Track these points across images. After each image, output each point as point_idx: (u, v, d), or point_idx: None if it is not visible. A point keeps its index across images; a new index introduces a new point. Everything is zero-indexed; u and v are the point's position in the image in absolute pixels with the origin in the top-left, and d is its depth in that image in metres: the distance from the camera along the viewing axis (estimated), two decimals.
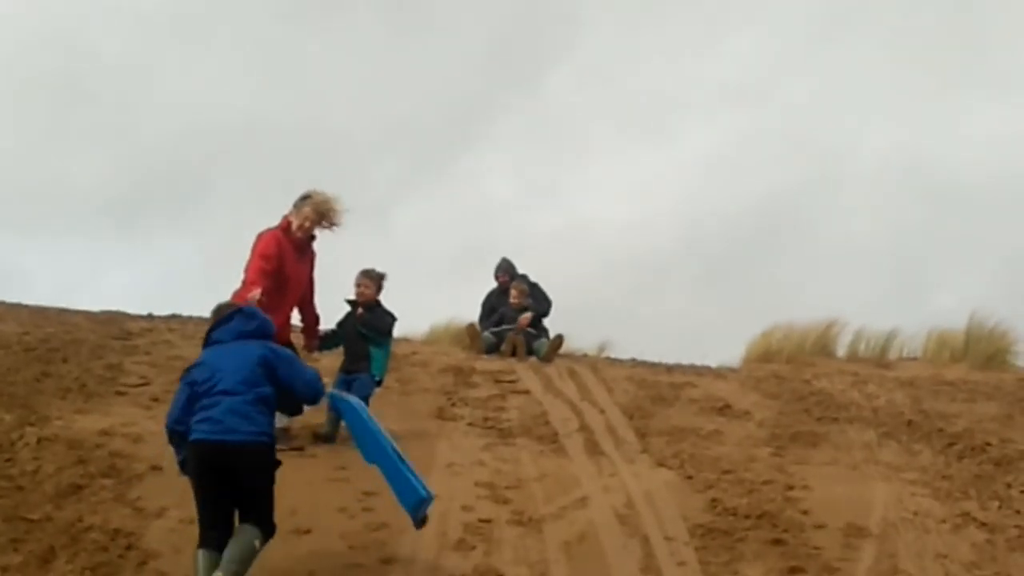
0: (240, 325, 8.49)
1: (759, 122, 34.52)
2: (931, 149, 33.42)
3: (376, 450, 8.74)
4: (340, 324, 11.80)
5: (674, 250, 30.81)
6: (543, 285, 16.77)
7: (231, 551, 7.87)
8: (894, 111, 35.22)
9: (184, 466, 8.30)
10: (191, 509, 8.99)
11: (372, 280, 11.77)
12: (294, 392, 8.41)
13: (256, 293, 10.29)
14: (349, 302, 11.80)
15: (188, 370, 8.40)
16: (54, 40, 34.29)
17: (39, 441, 10.39)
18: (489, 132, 35.91)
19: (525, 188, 34.51)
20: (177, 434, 8.24)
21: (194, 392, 8.15)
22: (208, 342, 8.55)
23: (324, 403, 9.34)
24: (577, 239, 31.89)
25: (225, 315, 8.61)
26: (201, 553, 7.87)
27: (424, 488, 8.55)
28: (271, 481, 8.18)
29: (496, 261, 17.08)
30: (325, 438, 11.26)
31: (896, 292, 26.87)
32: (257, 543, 8.01)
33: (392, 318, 11.78)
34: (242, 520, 8.09)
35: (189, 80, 34.92)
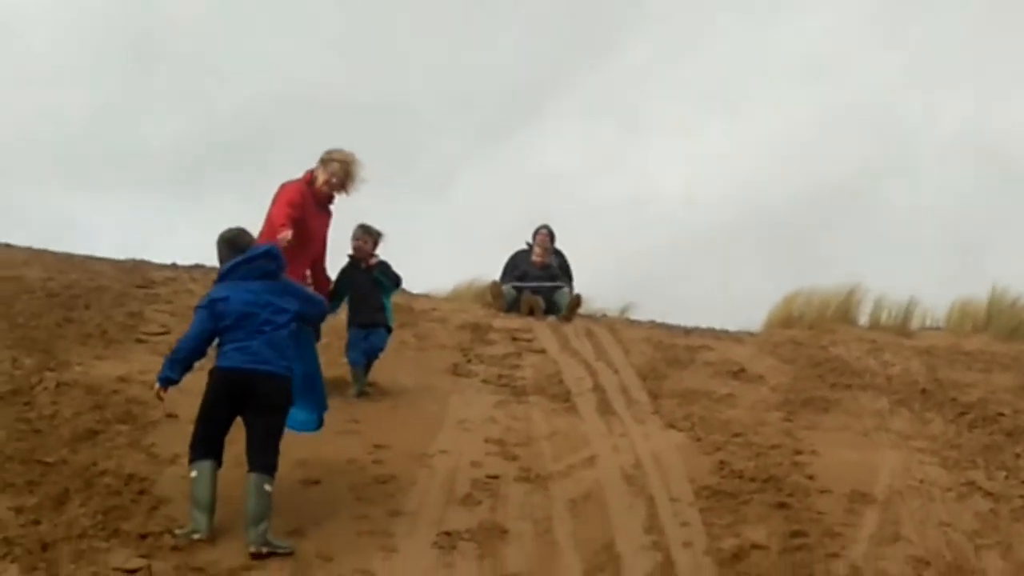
0: (266, 265, 8.97)
1: (830, 98, 34.42)
2: (1002, 127, 33.26)
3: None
4: (342, 279, 11.75)
5: (737, 224, 30.71)
6: (574, 257, 16.85)
7: (254, 510, 8.38)
8: (968, 88, 35.10)
9: (166, 382, 8.77)
10: None
11: (371, 236, 11.86)
12: (307, 317, 9.19)
13: (287, 234, 10.25)
14: (352, 257, 11.85)
15: (211, 302, 8.83)
16: (131, 2, 34.66)
17: (58, 386, 10.57)
18: (557, 104, 36.06)
19: (590, 159, 34.54)
20: (186, 359, 8.76)
21: (220, 325, 8.68)
22: (228, 276, 8.97)
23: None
24: (639, 211, 31.95)
25: (250, 255, 9.01)
26: (198, 465, 8.49)
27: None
28: (285, 416, 8.76)
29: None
30: (359, 394, 11.50)
31: (960, 268, 26.68)
32: (268, 487, 8.48)
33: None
34: (250, 463, 8.52)
35: (262, 47, 35.30)
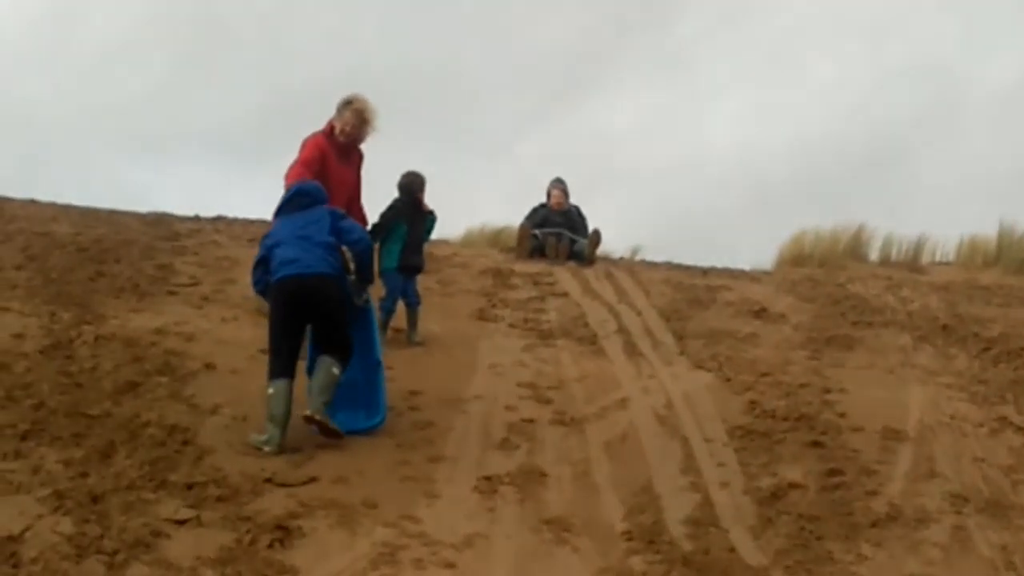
0: (300, 200, 9.78)
1: (885, 56, 35.00)
2: None
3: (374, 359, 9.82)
4: (397, 218, 11.73)
5: (790, 177, 31.05)
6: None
7: (316, 383, 9.27)
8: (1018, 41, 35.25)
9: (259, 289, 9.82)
10: (243, 406, 9.58)
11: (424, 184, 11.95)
12: (345, 238, 9.67)
13: None
14: (409, 200, 11.85)
15: (264, 236, 9.79)
16: None
17: (96, 339, 10.64)
18: (618, 70, 37.09)
19: (648, 120, 35.28)
20: (259, 283, 9.73)
21: (271, 252, 9.50)
22: (278, 215, 9.85)
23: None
24: (695, 169, 32.40)
25: (287, 196, 9.88)
26: (275, 383, 9.19)
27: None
28: (346, 311, 9.52)
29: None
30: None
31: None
32: (336, 370, 9.31)
33: None
34: (323, 352, 9.27)
35: (324, 22, 36.24)
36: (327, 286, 9.37)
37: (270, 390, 9.17)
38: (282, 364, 9.24)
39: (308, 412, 9.13)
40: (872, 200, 28.01)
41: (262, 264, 9.60)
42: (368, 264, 9.88)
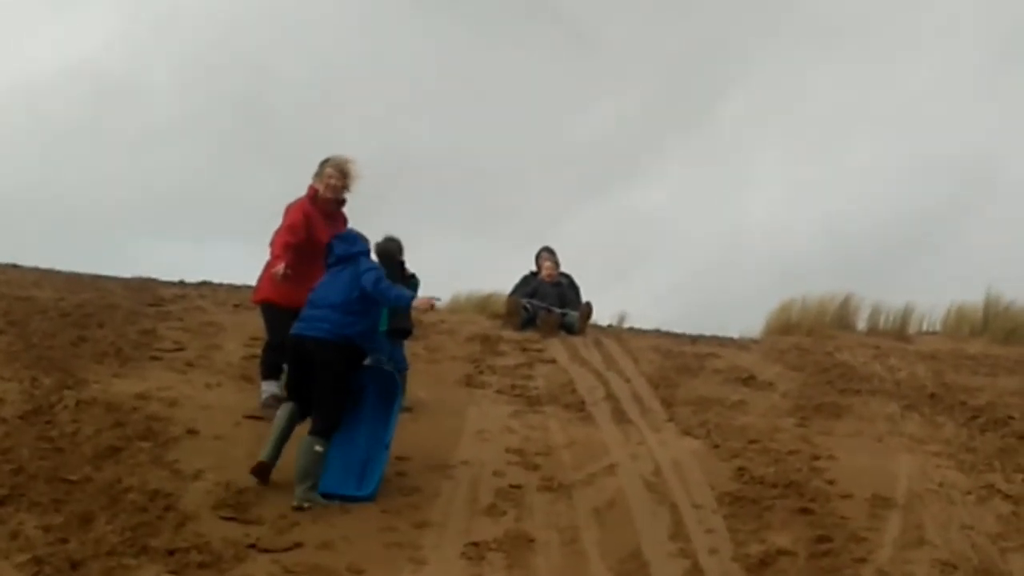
0: (339, 250, 10.01)
1: (919, 145, 35.56)
2: None
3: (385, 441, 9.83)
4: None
5: (822, 259, 31.45)
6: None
7: (300, 467, 9.30)
8: None
9: None
10: (227, 472, 9.50)
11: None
12: (370, 294, 9.67)
13: (280, 268, 10.48)
14: (392, 263, 11.70)
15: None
16: (241, 63, 37.17)
17: (77, 404, 10.54)
18: (656, 161, 37.84)
19: (686, 204, 36.19)
20: None
21: None
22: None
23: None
24: (730, 250, 33.02)
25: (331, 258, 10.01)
26: (284, 404, 9.71)
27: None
28: (338, 379, 9.54)
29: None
30: None
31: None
32: (319, 447, 9.37)
33: None
34: (310, 429, 9.38)
35: (368, 107, 36.70)
36: (324, 351, 9.47)
37: (279, 412, 9.65)
38: (292, 397, 9.70)
39: (295, 503, 9.17)
40: (898, 283, 28.20)
41: None
42: (390, 298, 9.95)
